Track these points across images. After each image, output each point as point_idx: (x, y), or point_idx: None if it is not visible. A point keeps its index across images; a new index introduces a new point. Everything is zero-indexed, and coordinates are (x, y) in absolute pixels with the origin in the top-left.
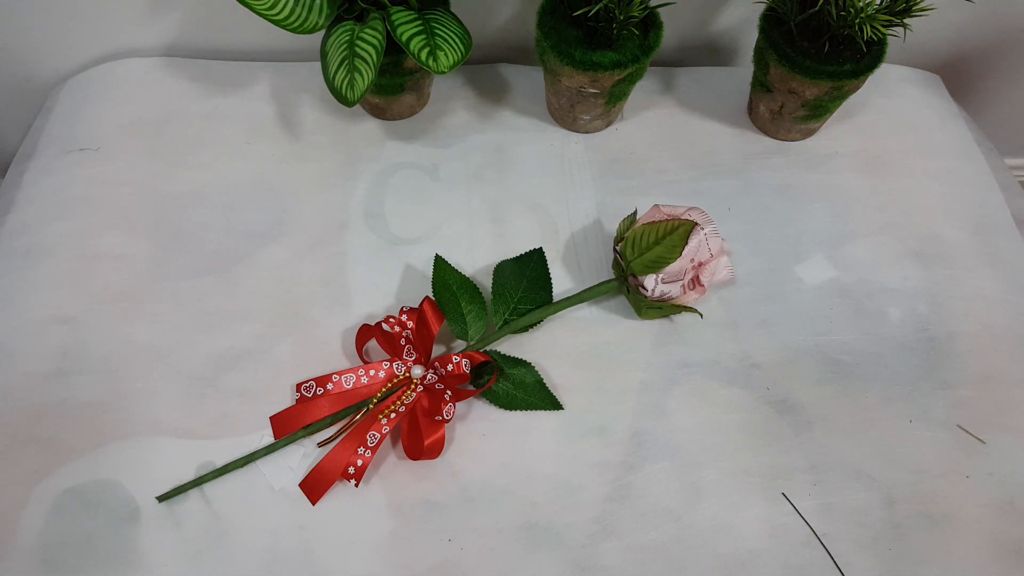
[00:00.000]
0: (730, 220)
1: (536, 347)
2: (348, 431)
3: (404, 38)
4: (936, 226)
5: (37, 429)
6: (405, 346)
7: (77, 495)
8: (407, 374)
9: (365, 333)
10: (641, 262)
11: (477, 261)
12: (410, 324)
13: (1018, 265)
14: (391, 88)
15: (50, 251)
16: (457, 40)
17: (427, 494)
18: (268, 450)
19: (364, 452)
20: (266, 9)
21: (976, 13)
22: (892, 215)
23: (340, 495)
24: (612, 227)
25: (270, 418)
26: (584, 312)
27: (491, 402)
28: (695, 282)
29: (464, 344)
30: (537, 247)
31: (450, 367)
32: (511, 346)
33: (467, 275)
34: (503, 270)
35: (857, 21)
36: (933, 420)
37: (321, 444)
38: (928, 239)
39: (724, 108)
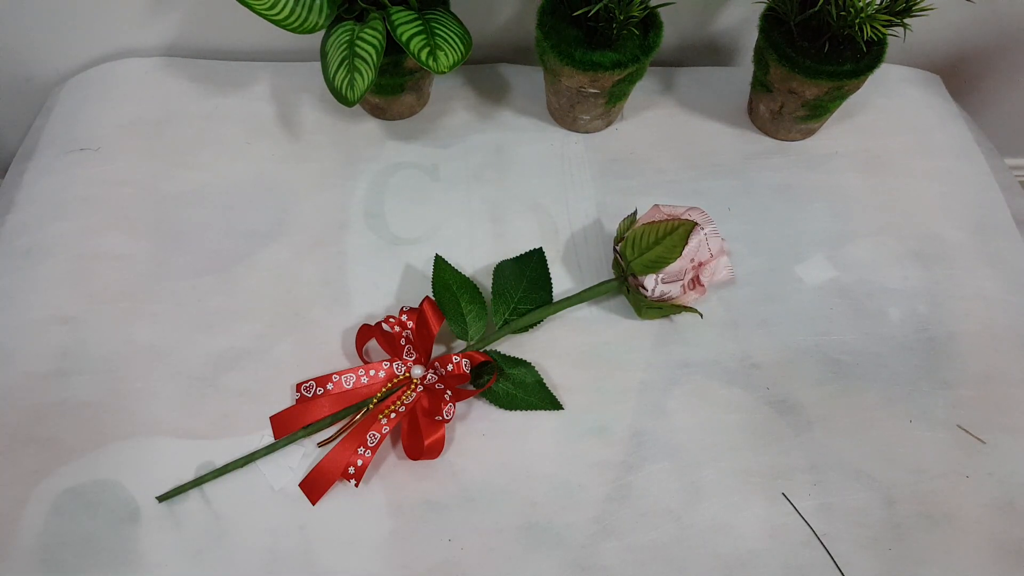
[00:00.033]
0: (730, 220)
1: (536, 347)
2: (348, 431)
3: (404, 38)
4: (936, 226)
5: (37, 429)
6: (405, 346)
7: (77, 495)
8: (407, 374)
9: (365, 333)
10: (641, 262)
11: (477, 261)
12: (410, 324)
13: (1018, 265)
14: (391, 88)
15: (50, 251)
16: (457, 40)
17: (427, 494)
18: (268, 450)
19: (364, 452)
20: (266, 9)
21: (976, 13)
22: (892, 215)
23: (340, 495)
24: (612, 227)
25: (270, 418)
26: (584, 312)
27: (491, 402)
28: (695, 282)
29: (464, 344)
30: (537, 247)
31: (450, 367)
32: (511, 346)
33: (467, 275)
34: (503, 270)
35: (857, 21)
36: (933, 420)
37: (321, 444)
38: (928, 239)
39: (724, 108)
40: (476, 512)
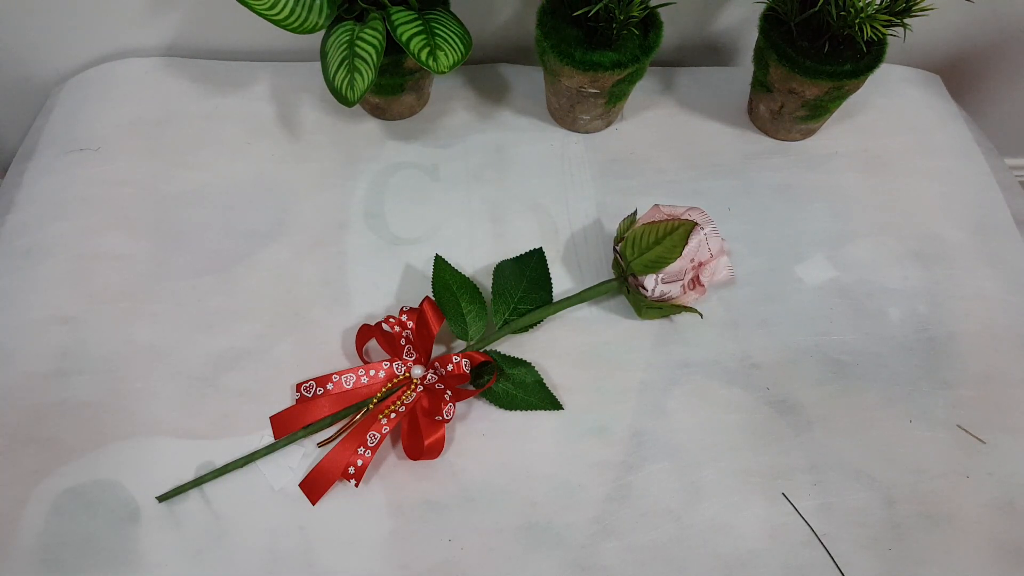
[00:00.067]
0: (730, 220)
1: (536, 347)
2: (348, 431)
3: (404, 38)
4: (936, 226)
5: (37, 429)
6: (405, 346)
7: (77, 495)
8: (407, 374)
9: (365, 333)
10: (641, 262)
11: (477, 261)
12: (410, 324)
13: (1018, 265)
14: (391, 88)
15: (50, 251)
16: (457, 40)
17: (427, 494)
18: (268, 450)
19: (364, 452)
20: (266, 9)
21: (976, 13)
22: (892, 215)
23: (340, 495)
24: (612, 227)
25: (270, 418)
26: (584, 312)
27: (491, 402)
28: (695, 282)
29: (464, 344)
30: (537, 247)
31: (450, 367)
32: (511, 346)
33: (467, 275)
34: (503, 270)
35: (857, 21)
36: (933, 420)
37: (321, 444)
38: (928, 239)
39: (724, 108)
40: (476, 512)
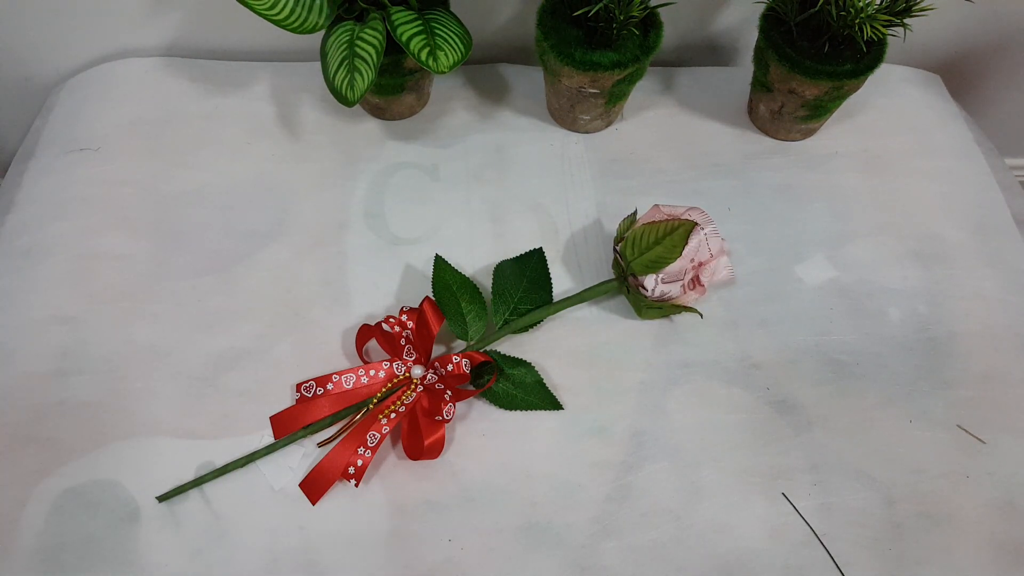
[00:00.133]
0: (730, 220)
1: (536, 347)
2: (348, 431)
3: (404, 38)
4: (936, 226)
5: (37, 429)
6: (405, 346)
7: (77, 495)
8: (407, 374)
9: (365, 333)
10: (641, 262)
11: (477, 261)
12: (410, 324)
13: (1018, 265)
14: (391, 88)
15: (50, 251)
16: (457, 40)
17: (427, 494)
18: (268, 450)
19: (364, 452)
20: (266, 9)
21: (976, 13)
22: (892, 215)
23: (340, 495)
24: (612, 227)
25: (270, 418)
26: (584, 312)
27: (491, 402)
28: (695, 282)
29: (464, 344)
30: (537, 247)
31: (450, 367)
32: (511, 346)
33: (467, 275)
34: (503, 270)
35: (857, 21)
36: (933, 420)
37: (321, 444)
38: (928, 239)
39: (724, 108)
40: (476, 512)
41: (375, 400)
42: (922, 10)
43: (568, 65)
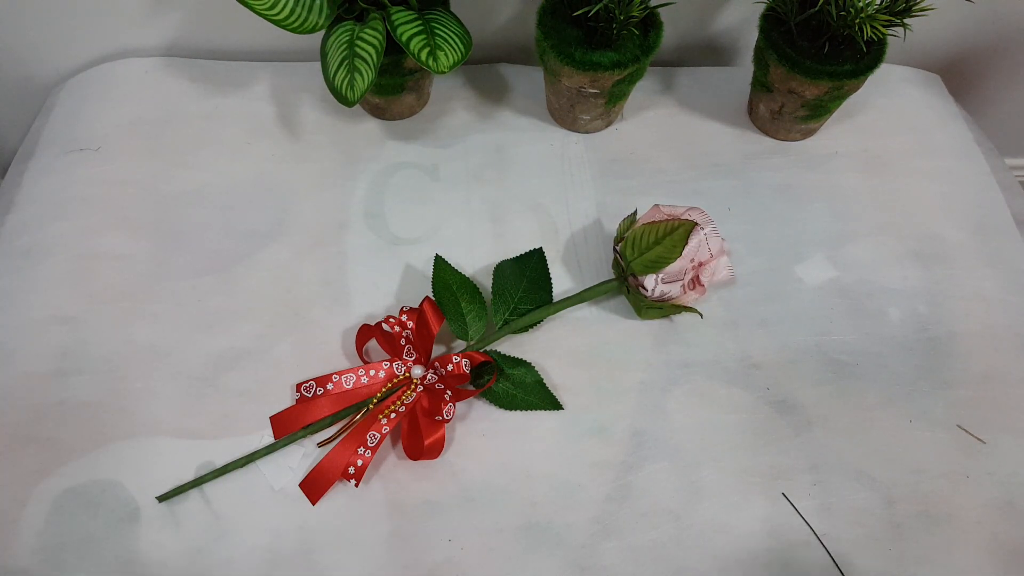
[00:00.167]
0: (730, 220)
1: (536, 347)
2: (348, 431)
3: (404, 38)
4: (936, 226)
5: (37, 429)
6: (405, 346)
7: (77, 495)
8: (407, 374)
9: (365, 333)
10: (641, 262)
11: (477, 261)
12: (410, 324)
13: (1018, 265)
14: (391, 88)
15: (50, 251)
16: (457, 40)
17: (427, 494)
18: (268, 450)
19: (364, 452)
20: (266, 9)
21: (976, 13)
22: (892, 215)
23: (340, 495)
24: (612, 227)
25: (270, 418)
26: (584, 312)
27: (491, 402)
28: (695, 282)
29: (464, 344)
30: (537, 247)
31: (450, 367)
32: (511, 346)
33: (467, 275)
34: (503, 270)
35: (857, 21)
36: (933, 420)
37: (321, 444)
38: (928, 239)
39: (724, 108)
40: (476, 512)
41: (375, 400)
42: (922, 10)
43: (568, 65)
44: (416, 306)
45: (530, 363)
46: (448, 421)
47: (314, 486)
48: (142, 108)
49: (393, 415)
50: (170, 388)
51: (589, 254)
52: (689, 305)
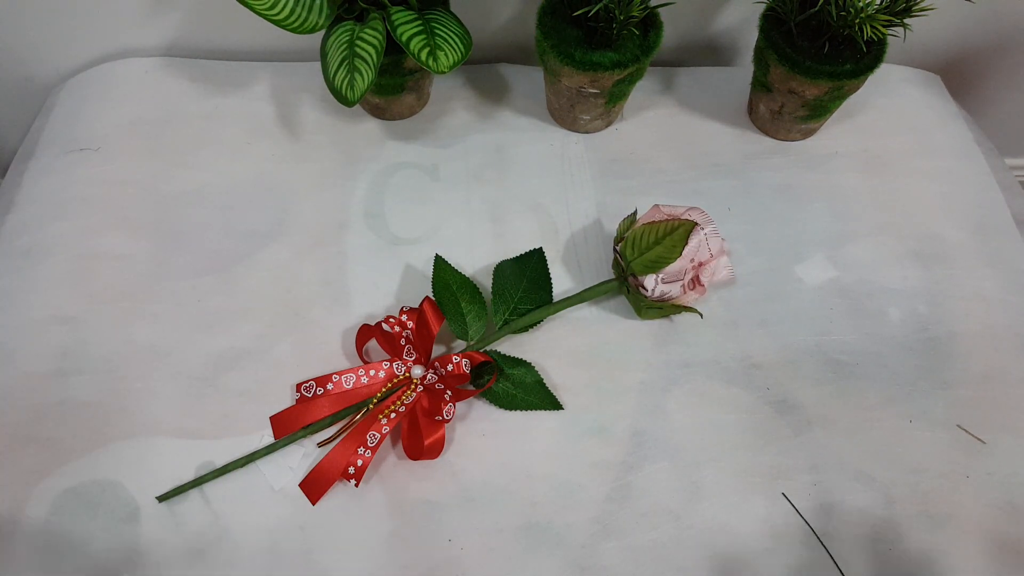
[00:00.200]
0: (730, 220)
1: (536, 347)
2: (348, 431)
3: (404, 38)
4: (936, 226)
5: (37, 429)
6: (405, 346)
7: (77, 495)
8: (407, 374)
9: (365, 333)
10: (641, 262)
11: (477, 261)
12: (410, 324)
13: (1018, 265)
14: (391, 88)
15: (50, 251)
16: (457, 40)
17: (427, 494)
18: (268, 450)
19: (364, 452)
20: (266, 9)
21: (976, 13)
22: (892, 215)
23: (340, 495)
24: (612, 227)
25: (270, 418)
26: (584, 312)
27: (491, 402)
28: (695, 282)
29: (464, 344)
30: (537, 247)
31: (450, 367)
32: (511, 346)
33: (467, 275)
34: (503, 270)
35: (857, 21)
36: (933, 420)
37: (321, 444)
38: (928, 239)
39: (724, 108)
40: (476, 512)
41: (375, 400)
42: (922, 10)
43: (568, 65)
44: (416, 306)
45: (530, 363)
46: (448, 421)
47: (314, 486)
48: (142, 108)
49: (393, 415)
50: (170, 388)
51: (589, 254)
52: (689, 305)
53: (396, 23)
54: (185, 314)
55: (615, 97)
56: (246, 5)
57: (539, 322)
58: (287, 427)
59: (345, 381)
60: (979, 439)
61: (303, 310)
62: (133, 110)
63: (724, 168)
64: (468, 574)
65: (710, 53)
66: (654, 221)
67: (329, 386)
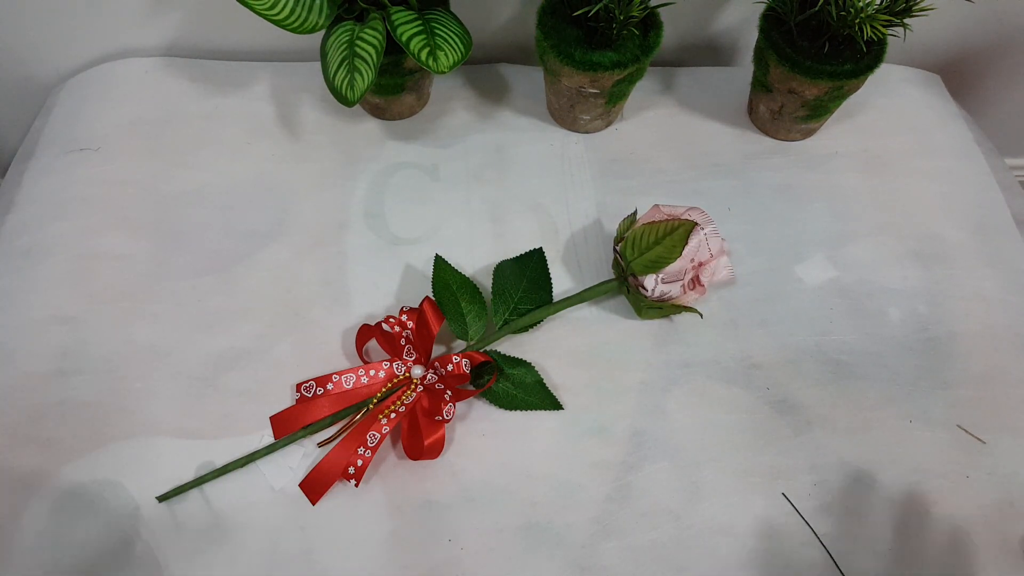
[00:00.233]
0: (730, 220)
1: (536, 347)
2: (348, 431)
3: (404, 38)
4: (936, 226)
5: (37, 429)
6: (405, 346)
7: (77, 495)
8: (407, 374)
9: (365, 333)
10: (641, 262)
11: (477, 261)
12: (410, 324)
13: (1018, 265)
14: (391, 88)
15: (50, 251)
16: (457, 40)
17: (427, 494)
18: (268, 450)
19: (364, 452)
20: (266, 9)
21: (976, 13)
22: (892, 215)
23: (340, 495)
24: (612, 227)
25: (270, 418)
26: (584, 312)
27: (491, 402)
28: (695, 282)
29: (464, 344)
30: (537, 247)
31: (450, 367)
32: (511, 346)
33: (467, 275)
34: (503, 270)
35: (857, 21)
36: (933, 420)
37: (321, 444)
38: (928, 239)
39: (724, 108)
40: (476, 512)
41: (375, 400)
42: (922, 10)
43: (568, 65)
44: (416, 306)
45: (530, 363)
46: (448, 421)
47: (314, 486)
48: (142, 108)
49: (393, 415)
50: (170, 388)
51: (589, 254)
52: (689, 305)
53: (396, 23)
54: (185, 314)
55: (615, 97)
56: (246, 5)
57: (539, 322)
58: (287, 427)
59: (345, 381)
60: (979, 439)
61: (303, 310)
62: (133, 110)
63: (724, 168)
64: (468, 574)
65: (710, 53)
66: (654, 221)
67: (329, 386)
